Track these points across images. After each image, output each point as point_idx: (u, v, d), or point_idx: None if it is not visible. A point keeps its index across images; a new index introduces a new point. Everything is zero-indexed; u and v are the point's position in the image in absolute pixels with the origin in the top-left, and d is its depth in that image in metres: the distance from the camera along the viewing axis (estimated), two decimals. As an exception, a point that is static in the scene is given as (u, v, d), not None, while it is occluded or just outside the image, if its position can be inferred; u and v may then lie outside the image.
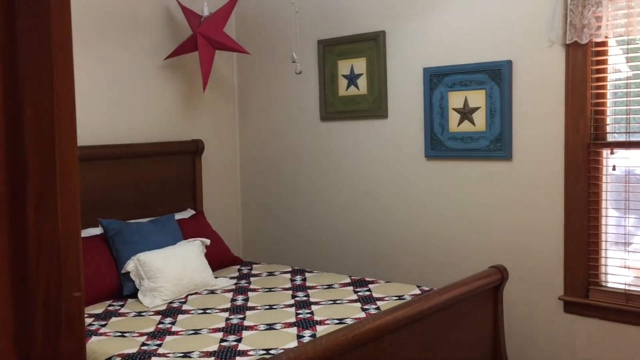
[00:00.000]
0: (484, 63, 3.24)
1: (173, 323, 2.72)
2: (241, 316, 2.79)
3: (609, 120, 3.00)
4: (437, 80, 3.41)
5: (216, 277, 3.38)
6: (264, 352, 2.34)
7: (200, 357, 2.31)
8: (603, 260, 3.02)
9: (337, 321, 2.65)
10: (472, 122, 3.32)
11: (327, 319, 2.69)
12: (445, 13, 3.37)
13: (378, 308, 2.81)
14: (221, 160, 4.29)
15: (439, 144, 3.44)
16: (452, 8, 3.34)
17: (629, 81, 2.91)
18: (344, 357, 2.06)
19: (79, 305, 0.83)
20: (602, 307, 2.98)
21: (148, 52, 3.79)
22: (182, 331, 2.61)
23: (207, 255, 3.38)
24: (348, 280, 3.33)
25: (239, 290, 3.21)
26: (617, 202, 3.00)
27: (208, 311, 2.88)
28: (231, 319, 2.75)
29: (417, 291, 3.03)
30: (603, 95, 2.99)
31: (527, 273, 3.19)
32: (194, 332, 2.60)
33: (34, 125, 0.78)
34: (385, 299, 2.95)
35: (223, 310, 2.89)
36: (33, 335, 0.80)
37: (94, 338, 2.52)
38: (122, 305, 2.98)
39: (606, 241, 3.01)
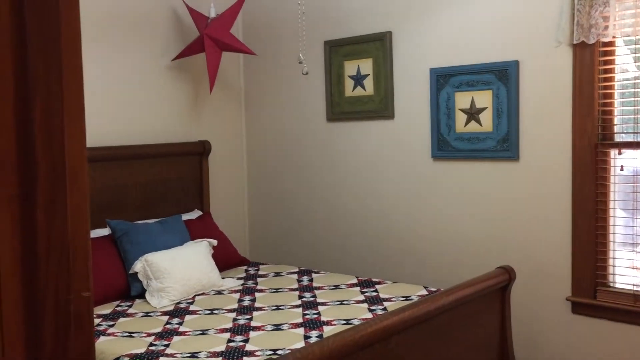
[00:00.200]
0: (490, 63, 3.24)
1: (180, 323, 2.73)
2: (248, 317, 2.79)
3: (616, 120, 2.98)
4: (444, 80, 3.41)
5: (223, 278, 3.39)
6: (271, 352, 2.34)
7: (207, 357, 2.32)
8: (611, 261, 3.01)
9: (344, 322, 2.66)
10: (479, 122, 3.31)
11: (334, 320, 2.69)
12: (452, 13, 3.37)
13: (385, 309, 2.81)
14: (228, 161, 4.30)
15: (446, 145, 3.43)
16: (459, 8, 3.34)
17: (636, 81, 2.90)
18: (351, 358, 2.06)
19: (88, 305, 0.84)
20: (610, 308, 2.97)
21: (155, 54, 3.81)
22: (189, 331, 2.61)
23: (214, 256, 3.39)
24: (355, 280, 3.33)
25: (246, 291, 3.21)
26: (625, 203, 2.99)
27: (215, 312, 2.88)
28: (238, 319, 2.76)
29: (424, 292, 3.03)
30: (611, 96, 2.98)
31: (534, 274, 3.18)
32: (201, 332, 2.61)
33: (43, 128, 0.79)
34: (392, 299, 2.95)
35: (230, 310, 2.89)
36: (43, 334, 0.80)
37: (102, 338, 2.53)
38: (129, 306, 2.99)
39: (614, 242, 3.00)
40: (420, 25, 3.50)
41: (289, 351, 2.11)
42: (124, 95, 3.65)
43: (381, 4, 3.63)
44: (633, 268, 2.96)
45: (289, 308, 2.90)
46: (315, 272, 3.54)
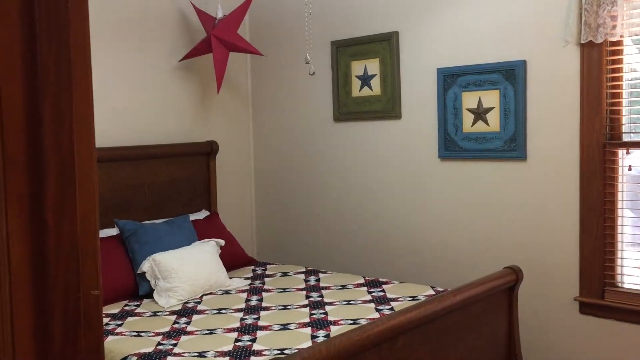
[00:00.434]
0: (498, 63, 3.23)
1: (188, 323, 2.74)
2: (255, 316, 2.80)
3: (624, 120, 2.97)
4: (451, 80, 3.41)
5: (231, 278, 3.40)
6: (279, 352, 2.35)
7: (215, 356, 2.33)
8: (619, 261, 3.00)
9: (351, 321, 2.66)
10: (486, 122, 3.31)
11: (341, 320, 2.70)
12: (459, 13, 3.36)
13: (392, 309, 2.81)
14: (235, 161, 4.31)
15: (453, 145, 3.43)
16: (466, 8, 3.34)
17: (645, 80, 2.89)
18: (358, 357, 2.07)
19: (97, 304, 0.85)
20: (618, 308, 2.95)
21: (163, 55, 3.83)
22: (197, 331, 2.63)
23: (221, 256, 3.40)
24: (362, 280, 3.33)
25: (254, 291, 3.22)
26: (633, 203, 2.98)
27: (223, 311, 2.89)
28: (246, 319, 2.77)
29: (431, 292, 3.03)
30: (618, 95, 2.97)
31: (542, 274, 3.17)
32: (208, 332, 2.62)
33: (53, 127, 0.79)
34: (399, 299, 2.95)
35: (237, 310, 2.90)
36: (52, 332, 0.81)
37: (110, 337, 2.54)
38: (137, 305, 3.01)
39: (622, 242, 2.98)
40: (427, 25, 3.49)
41: (296, 350, 2.12)
42: (132, 96, 3.67)
43: (388, 4, 3.63)
44: (641, 268, 2.95)
45: (296, 308, 2.91)
46: (322, 272, 3.55)
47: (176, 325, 2.70)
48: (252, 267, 3.73)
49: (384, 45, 3.66)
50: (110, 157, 3.41)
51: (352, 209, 3.91)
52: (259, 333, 2.58)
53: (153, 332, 2.61)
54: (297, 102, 4.14)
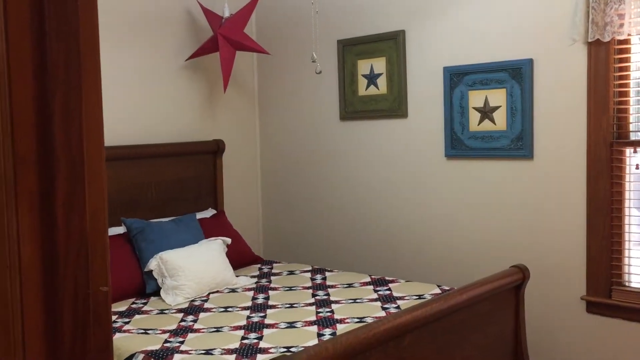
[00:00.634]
0: (504, 62, 3.22)
1: (195, 321, 2.75)
2: (262, 314, 2.81)
3: (632, 118, 2.96)
4: (457, 79, 3.40)
5: (237, 276, 3.41)
6: (285, 349, 2.35)
7: (222, 354, 2.34)
8: (626, 260, 2.99)
9: (358, 320, 2.66)
10: (492, 121, 3.30)
11: (347, 318, 2.70)
12: (465, 12, 3.36)
13: (398, 307, 2.81)
14: (242, 160, 4.32)
15: (459, 144, 3.43)
16: (472, 6, 3.33)
17: (652, 79, 2.88)
18: (364, 356, 2.07)
19: (106, 300, 0.85)
20: (625, 307, 2.94)
21: (169, 54, 3.84)
22: (204, 329, 2.64)
23: (228, 254, 3.41)
24: (368, 279, 3.33)
25: (260, 289, 3.23)
26: (641, 202, 2.97)
27: (229, 309, 2.90)
28: (252, 317, 2.78)
29: (438, 290, 3.03)
30: (626, 94, 2.96)
31: (548, 273, 3.16)
32: (215, 329, 2.63)
33: (63, 125, 0.80)
34: (405, 298, 2.95)
35: (244, 308, 2.91)
36: (62, 328, 0.82)
37: (117, 335, 2.56)
38: (145, 303, 3.02)
39: (629, 241, 2.97)
40: (434, 24, 3.49)
41: (303, 348, 2.12)
42: (138, 95, 3.68)
43: (395, 3, 3.63)
44: (649, 267, 2.94)
45: (302, 306, 2.91)
46: (328, 271, 3.55)
47: (183, 323, 2.71)
48: (259, 265, 3.74)
49: (391, 44, 3.66)
50: (117, 156, 3.42)
51: (358, 208, 3.91)
52: (266, 331, 2.58)
53: (160, 330, 2.62)
54: (303, 100, 4.15)
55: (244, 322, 2.70)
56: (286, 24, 4.17)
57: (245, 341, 2.47)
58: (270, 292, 3.17)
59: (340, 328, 2.57)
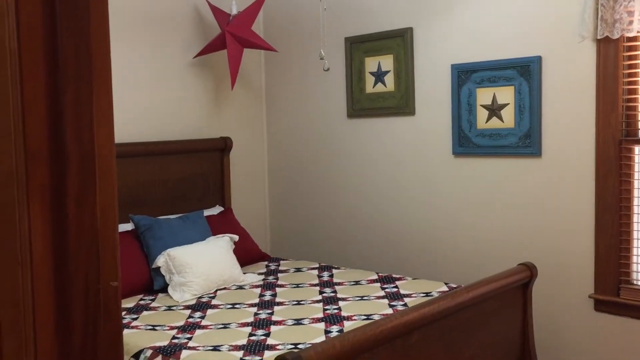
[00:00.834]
0: (513, 59, 3.21)
1: (202, 317, 2.76)
2: (269, 311, 2.82)
3: (641, 116, 2.95)
4: (465, 76, 3.39)
5: (244, 273, 3.41)
6: (292, 346, 2.36)
7: (229, 350, 2.34)
8: (635, 258, 2.97)
9: (365, 317, 2.67)
10: (500, 118, 3.29)
11: (354, 315, 2.70)
12: (473, 9, 3.35)
13: (405, 305, 2.81)
14: (249, 157, 4.33)
15: (467, 141, 3.42)
16: (480, 4, 3.32)
17: (662, 76, 2.86)
18: (371, 353, 2.07)
19: (116, 295, 0.86)
20: (633, 306, 2.93)
21: (177, 51, 3.85)
22: (211, 325, 2.65)
23: (235, 251, 3.42)
24: (375, 276, 3.33)
25: (267, 286, 3.24)
26: (650, 200, 2.95)
27: (237, 306, 2.91)
28: (259, 313, 2.79)
29: (445, 288, 3.03)
30: (635, 91, 2.94)
31: (556, 271, 3.16)
32: (223, 326, 2.63)
33: (74, 120, 0.81)
34: (412, 295, 2.95)
35: (251, 305, 2.92)
36: (72, 323, 0.83)
37: (126, 331, 2.57)
38: (152, 300, 3.04)
39: (638, 239, 2.96)
40: (442, 21, 3.48)
41: (310, 345, 2.13)
42: (146, 92, 3.69)
43: (402, 1, 3.63)
44: (657, 266, 2.93)
45: (309, 303, 2.92)
46: (335, 268, 3.56)
47: (191, 320, 2.72)
48: (266, 262, 3.75)
49: (398, 42, 3.66)
50: (124, 153, 3.44)
51: (366, 205, 3.92)
52: (273, 328, 2.59)
53: (168, 326, 2.64)
54: (310, 98, 4.15)
55: (251, 319, 2.71)
56: (294, 21, 4.17)
57: (252, 338, 2.48)
58: (278, 289, 3.17)
59: (348, 325, 2.58)
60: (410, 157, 3.68)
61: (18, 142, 0.77)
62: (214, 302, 2.99)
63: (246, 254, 3.64)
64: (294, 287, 3.21)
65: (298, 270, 3.56)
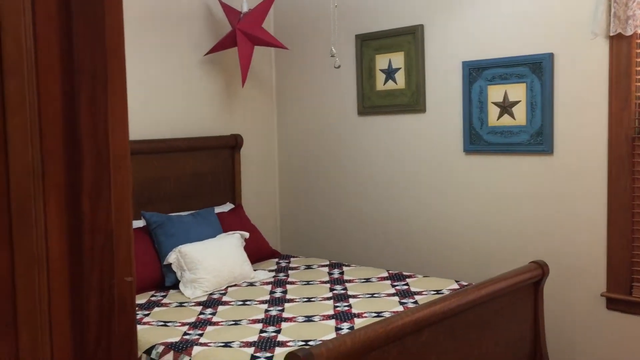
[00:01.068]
0: (524, 56, 3.20)
1: (214, 314, 2.77)
2: (280, 308, 2.83)
3: (654, 113, 2.93)
4: (476, 74, 3.38)
5: (255, 270, 3.43)
6: (303, 343, 2.37)
7: (240, 347, 2.36)
8: (647, 257, 2.96)
9: (375, 314, 2.67)
10: (512, 116, 3.28)
11: (365, 312, 2.71)
12: (484, 5, 3.34)
13: (416, 302, 2.81)
14: (259, 154, 4.34)
15: (478, 139, 3.41)
16: (492, 0, 3.31)
17: (675, 73, 2.84)
18: (382, 350, 2.08)
19: (130, 290, 0.87)
20: (646, 305, 2.92)
21: (188, 48, 3.86)
22: (222, 322, 2.66)
23: (246, 248, 3.44)
24: (386, 274, 3.34)
25: (278, 283, 3.25)
26: (663, 198, 2.93)
27: (247, 303, 2.93)
28: (270, 310, 2.80)
29: (456, 286, 3.03)
30: (648, 88, 2.92)
31: (568, 269, 3.14)
32: (234, 322, 2.65)
33: (89, 119, 0.82)
34: (423, 293, 2.95)
35: (262, 302, 2.93)
36: (88, 317, 0.84)
37: (138, 327, 2.59)
38: (164, 296, 3.06)
39: (651, 237, 2.94)
40: (453, 18, 3.47)
41: (321, 342, 2.13)
42: (157, 90, 3.71)
43: (413, -3, 3.62)
44: (670, 264, 2.91)
45: (320, 300, 2.92)
46: (345, 265, 3.56)
47: (202, 316, 2.74)
48: (276, 259, 3.76)
49: (409, 39, 3.65)
50: (136, 150, 3.45)
51: (376, 203, 3.92)
52: (284, 324, 2.60)
53: (179, 322, 2.65)
54: (321, 95, 4.15)
55: (262, 316, 2.72)
56: (304, 18, 4.17)
57: (263, 334, 2.49)
58: (288, 286, 3.18)
59: (358, 322, 2.58)
60: (421, 154, 3.67)
61: (34, 140, 0.78)
62: (224, 298, 3.00)
63: (257, 251, 3.66)
64: (305, 284, 3.22)
65: (308, 267, 3.57)
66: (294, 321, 2.64)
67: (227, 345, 2.38)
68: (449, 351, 2.38)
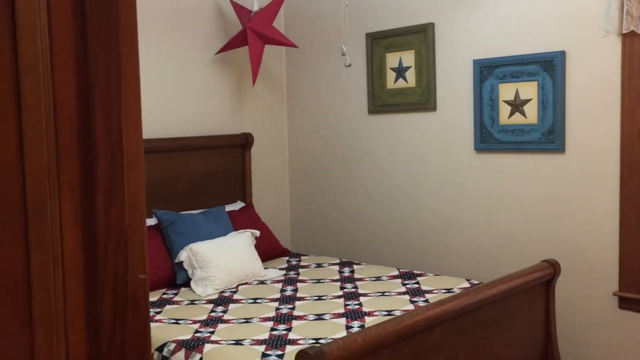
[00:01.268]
0: (536, 54, 3.18)
1: (225, 312, 2.78)
2: (291, 306, 2.83)
3: (667, 111, 2.90)
4: (487, 72, 3.37)
5: (266, 268, 3.44)
6: (314, 341, 2.37)
7: (251, 344, 2.37)
8: (660, 256, 2.94)
9: (386, 313, 2.67)
10: (523, 114, 3.27)
11: (375, 311, 2.71)
12: (496, 3, 3.32)
13: (427, 301, 2.81)
14: (270, 153, 4.35)
15: (489, 137, 3.40)
16: (503, -2, 3.29)
17: (689, 71, 2.81)
18: (392, 348, 2.08)
19: (144, 287, 0.88)
20: (658, 304, 2.90)
21: (199, 47, 3.88)
22: (233, 319, 2.67)
23: (256, 247, 3.45)
24: (396, 272, 3.33)
25: (288, 281, 3.26)
26: (676, 196, 2.91)
27: (258, 301, 2.94)
28: (281, 308, 2.80)
29: (467, 284, 3.02)
30: (661, 86, 2.90)
31: (580, 268, 3.13)
32: (245, 320, 2.66)
33: (103, 118, 0.83)
34: (434, 291, 2.95)
35: (273, 300, 2.94)
36: (102, 314, 0.85)
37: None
38: (175, 294, 3.07)
39: (664, 236, 2.92)
40: (463, 16, 3.46)
41: (332, 340, 2.14)
42: (168, 89, 3.73)
43: (424, -5, 3.61)
44: (684, 263, 2.88)
45: (330, 298, 2.93)
46: (356, 264, 3.56)
47: (213, 314, 2.75)
48: (287, 258, 3.77)
49: (420, 37, 3.64)
50: (147, 149, 3.47)
51: (387, 201, 3.91)
52: (294, 323, 2.61)
53: (191, 320, 2.67)
54: (331, 94, 4.15)
55: (272, 314, 2.73)
56: (315, 17, 4.17)
57: (274, 332, 2.50)
58: (299, 285, 3.19)
59: (369, 321, 2.58)
60: (431, 153, 3.67)
61: (50, 139, 0.79)
62: (235, 296, 3.01)
63: (267, 249, 3.67)
64: (315, 283, 3.22)
65: (319, 265, 3.57)
66: (305, 319, 2.65)
67: (238, 343, 2.39)
68: (460, 350, 2.37)
